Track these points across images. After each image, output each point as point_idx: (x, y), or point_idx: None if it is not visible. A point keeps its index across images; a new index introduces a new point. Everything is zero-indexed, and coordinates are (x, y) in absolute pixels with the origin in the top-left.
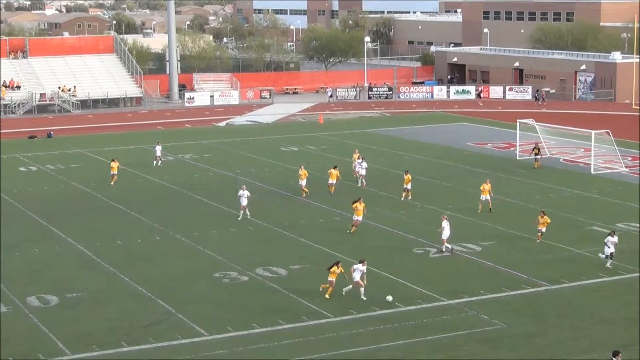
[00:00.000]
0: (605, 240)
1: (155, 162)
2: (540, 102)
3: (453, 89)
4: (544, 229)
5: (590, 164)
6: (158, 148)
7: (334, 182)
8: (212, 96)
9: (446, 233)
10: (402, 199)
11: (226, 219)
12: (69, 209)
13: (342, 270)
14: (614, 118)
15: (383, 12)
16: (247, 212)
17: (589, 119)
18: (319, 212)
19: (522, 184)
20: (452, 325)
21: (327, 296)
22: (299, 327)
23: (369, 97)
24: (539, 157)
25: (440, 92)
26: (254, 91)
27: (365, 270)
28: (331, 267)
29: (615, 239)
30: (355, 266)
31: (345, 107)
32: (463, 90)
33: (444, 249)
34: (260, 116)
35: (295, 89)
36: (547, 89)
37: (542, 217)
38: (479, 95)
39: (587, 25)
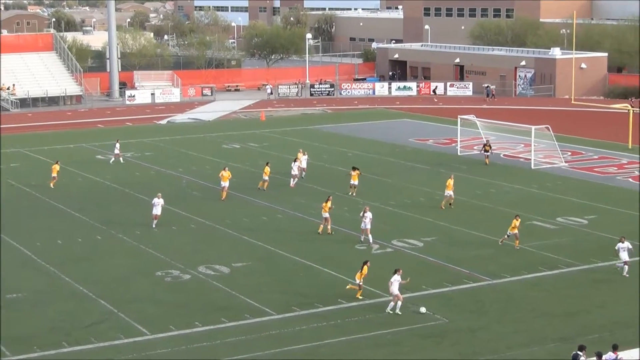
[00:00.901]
0: (617, 248)
1: (113, 159)
2: (490, 98)
3: (395, 85)
4: (516, 232)
5: (530, 159)
6: (117, 145)
7: (267, 178)
8: (153, 94)
9: (367, 224)
10: (349, 194)
11: (168, 218)
12: (8, 208)
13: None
14: (554, 113)
15: (324, 9)
16: (155, 223)
17: (529, 115)
18: (262, 209)
19: (464, 180)
20: (395, 321)
21: (358, 296)
22: (241, 325)
23: (311, 94)
24: (488, 153)
25: (381, 88)
26: (195, 89)
27: (401, 280)
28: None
29: (626, 244)
30: (392, 279)
31: (287, 104)
32: (404, 87)
33: (362, 239)
34: (202, 114)
35: (237, 86)
36: (487, 85)
37: (516, 221)
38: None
39: (526, 21)
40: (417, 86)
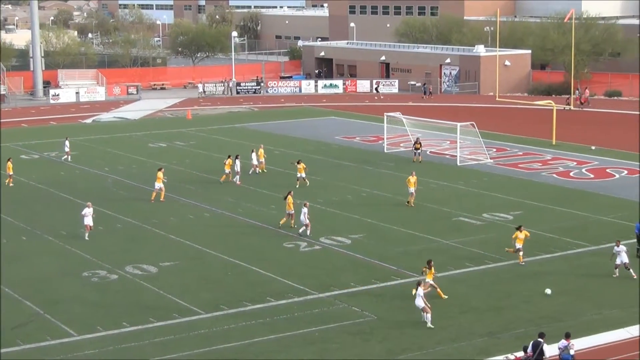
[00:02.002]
0: (614, 252)
1: (65, 156)
2: (427, 96)
3: (321, 83)
4: (520, 245)
5: (456, 156)
6: (66, 143)
7: (229, 171)
8: (77, 93)
9: (302, 218)
10: (297, 186)
11: (95, 218)
12: None
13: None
14: (479, 110)
15: (250, 7)
16: (87, 234)
17: (454, 112)
18: (189, 208)
19: (390, 177)
20: (324, 318)
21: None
22: (170, 325)
23: (237, 92)
24: (419, 151)
25: (308, 86)
26: (120, 87)
27: (427, 288)
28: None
29: (621, 247)
30: (417, 291)
31: (213, 102)
32: (331, 85)
33: (301, 231)
34: (128, 112)
35: (163, 84)
36: (413, 83)
37: (522, 232)
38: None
39: (451, 19)
40: (344, 84)
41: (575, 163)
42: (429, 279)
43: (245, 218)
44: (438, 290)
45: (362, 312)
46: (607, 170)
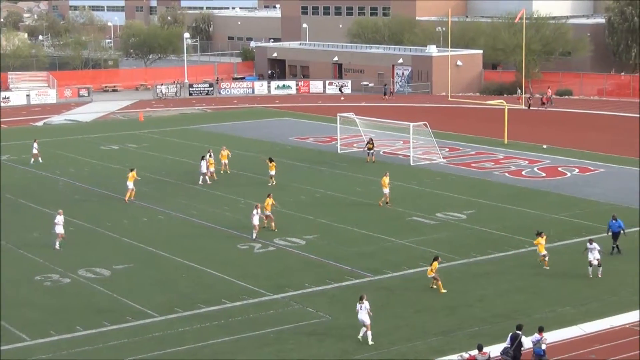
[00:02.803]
0: (586, 249)
1: (32, 159)
2: (388, 96)
3: (274, 84)
4: (544, 252)
5: (409, 156)
6: (35, 145)
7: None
8: (28, 95)
9: (255, 220)
10: (269, 184)
11: (46, 221)
12: None
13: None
14: (431, 110)
15: (202, 8)
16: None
17: (407, 112)
18: (142, 211)
19: (344, 177)
20: (279, 319)
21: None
22: (124, 328)
23: (190, 94)
24: (372, 151)
25: (261, 87)
26: (71, 89)
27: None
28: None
29: (594, 245)
30: (362, 304)
31: (166, 104)
32: (284, 85)
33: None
34: (79, 115)
35: (115, 86)
36: (366, 83)
37: (542, 238)
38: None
39: (403, 19)
40: (297, 85)
41: (527, 162)
42: (431, 274)
43: (199, 220)
44: (439, 282)
45: (317, 312)
46: (559, 168)
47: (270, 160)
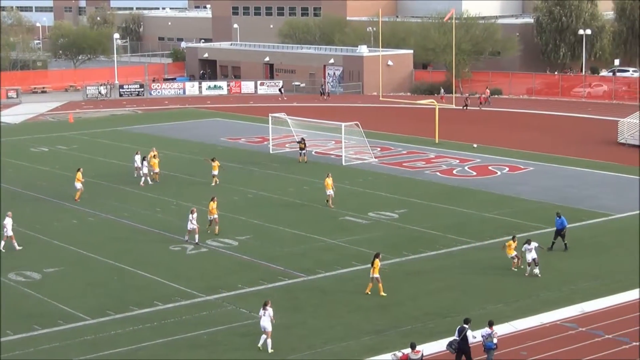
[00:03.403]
0: (523, 249)
1: None
2: (325, 97)
3: (205, 84)
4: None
5: (341, 156)
6: None
7: (154, 170)
8: None
9: (191, 225)
10: (213, 184)
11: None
12: None
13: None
14: (363, 110)
15: (132, 8)
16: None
17: (339, 112)
18: (73, 213)
19: (276, 177)
20: (212, 320)
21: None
22: (55, 332)
23: (120, 95)
24: (304, 151)
25: (192, 88)
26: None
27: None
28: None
29: (532, 245)
30: (266, 311)
31: (96, 105)
32: (215, 86)
33: (186, 239)
34: (8, 117)
35: (44, 87)
36: (297, 83)
37: (514, 242)
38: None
39: (334, 19)
40: (228, 85)
41: (458, 161)
42: (376, 274)
43: (131, 222)
44: (380, 284)
45: (250, 313)
46: (489, 167)
47: (213, 160)
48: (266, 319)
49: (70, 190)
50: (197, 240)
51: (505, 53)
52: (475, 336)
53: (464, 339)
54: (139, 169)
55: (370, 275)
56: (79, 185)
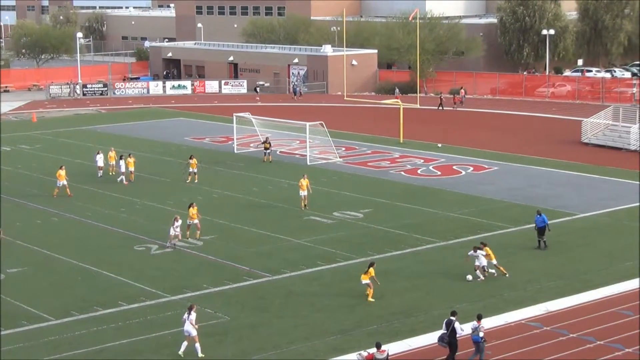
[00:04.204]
0: (470, 255)
1: None
2: (297, 96)
3: (169, 84)
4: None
5: (306, 155)
6: None
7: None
8: None
9: (173, 231)
10: (188, 181)
11: None
12: None
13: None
14: (328, 110)
15: (95, 7)
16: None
17: (303, 111)
18: (36, 213)
19: (241, 177)
20: (177, 321)
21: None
22: (18, 332)
23: (84, 94)
24: (268, 151)
25: (156, 87)
26: None
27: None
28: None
29: (478, 252)
30: (189, 316)
31: (59, 105)
32: (179, 85)
33: (169, 244)
34: None
35: (6, 87)
36: (262, 83)
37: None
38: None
39: (298, 19)
40: (192, 85)
41: (422, 161)
42: (366, 280)
43: (94, 222)
44: (371, 290)
45: (215, 313)
46: (454, 167)
47: (191, 157)
48: (189, 324)
49: (32, 190)
50: (168, 244)
51: (469, 53)
52: (463, 329)
53: (452, 331)
54: (101, 168)
55: (363, 282)
56: (60, 182)
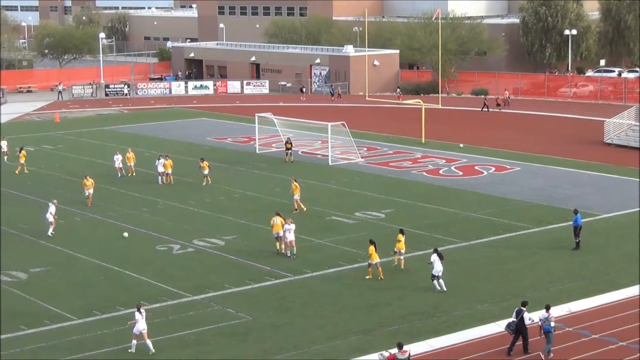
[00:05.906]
0: (430, 261)
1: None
2: (336, 97)
3: (191, 84)
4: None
5: (327, 156)
6: (3, 143)
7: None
8: None
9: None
10: (204, 184)
11: None
12: None
13: None
14: (349, 110)
15: (118, 7)
16: None
17: (325, 112)
18: (59, 213)
19: (263, 177)
20: (199, 320)
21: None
22: (41, 332)
23: (106, 94)
24: (290, 151)
25: (178, 87)
26: None
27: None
28: None
29: (434, 257)
30: (139, 316)
31: (82, 105)
32: (201, 86)
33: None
34: None
35: (29, 87)
36: (283, 83)
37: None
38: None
39: (320, 19)
40: (214, 85)
41: (444, 161)
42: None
43: (117, 222)
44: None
45: (237, 313)
46: (476, 167)
47: (202, 160)
48: (143, 322)
49: (55, 190)
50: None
51: (491, 53)
52: (531, 318)
53: (521, 320)
54: (120, 169)
55: (372, 262)
56: (88, 191)
